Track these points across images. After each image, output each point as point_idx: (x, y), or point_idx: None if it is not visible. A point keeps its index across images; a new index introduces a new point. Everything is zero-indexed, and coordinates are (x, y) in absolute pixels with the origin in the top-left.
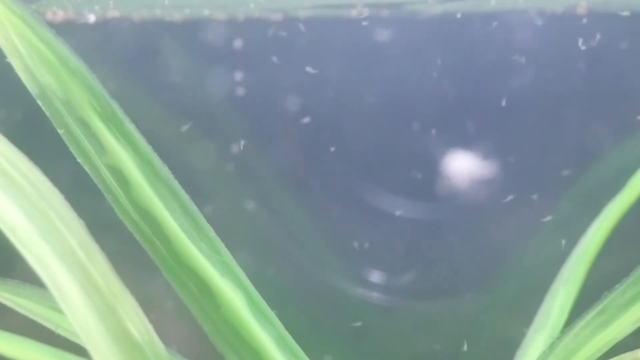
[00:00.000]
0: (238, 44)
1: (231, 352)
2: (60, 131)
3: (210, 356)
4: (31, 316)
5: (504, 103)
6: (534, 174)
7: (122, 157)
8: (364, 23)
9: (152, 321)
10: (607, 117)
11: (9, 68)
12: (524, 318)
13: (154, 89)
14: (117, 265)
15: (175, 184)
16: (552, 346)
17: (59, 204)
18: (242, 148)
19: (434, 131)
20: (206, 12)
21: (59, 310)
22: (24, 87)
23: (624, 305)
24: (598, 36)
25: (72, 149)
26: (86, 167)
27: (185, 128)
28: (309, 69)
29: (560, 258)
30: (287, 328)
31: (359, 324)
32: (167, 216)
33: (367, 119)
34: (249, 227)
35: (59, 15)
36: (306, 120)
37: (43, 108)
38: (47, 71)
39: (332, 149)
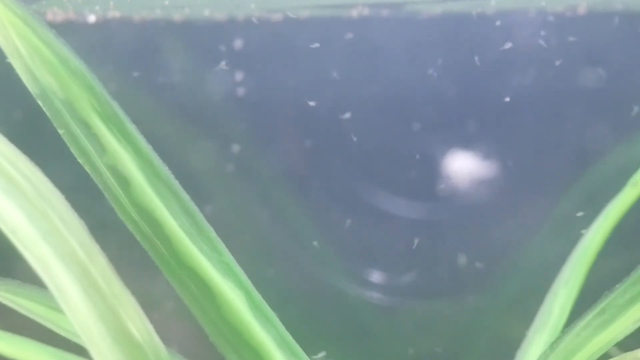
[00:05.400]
0: (238, 44)
1: (232, 352)
2: (60, 131)
3: (210, 356)
4: (31, 316)
5: (503, 103)
6: (534, 174)
7: (123, 157)
8: (364, 23)
9: (152, 321)
10: (607, 117)
11: (9, 68)
12: (525, 318)
13: (154, 89)
14: (118, 265)
15: (176, 184)
16: (552, 346)
17: (60, 204)
18: (242, 148)
19: (434, 131)
20: (206, 12)
21: (59, 310)
22: (25, 87)
23: (624, 306)
24: (598, 36)
25: (72, 149)
26: (87, 168)
27: (185, 128)
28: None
29: (560, 258)
30: (288, 328)
31: (359, 324)
32: (167, 216)
33: (367, 119)
34: (249, 227)
35: (60, 16)
36: (306, 120)
37: (43, 108)
38: (48, 71)
39: (333, 148)
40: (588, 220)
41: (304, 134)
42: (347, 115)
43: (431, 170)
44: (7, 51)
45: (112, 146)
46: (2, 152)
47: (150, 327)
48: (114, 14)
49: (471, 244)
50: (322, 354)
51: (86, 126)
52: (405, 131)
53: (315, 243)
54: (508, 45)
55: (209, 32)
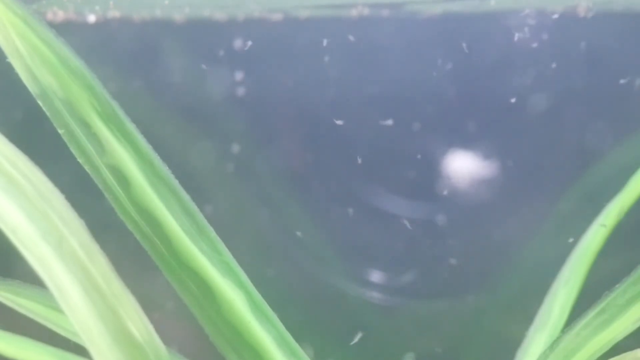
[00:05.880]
0: (238, 44)
1: (232, 352)
2: (60, 131)
3: (210, 356)
4: (31, 316)
5: (503, 103)
6: (534, 174)
7: (123, 157)
8: (364, 23)
9: (152, 321)
10: (607, 117)
11: (9, 68)
12: (524, 318)
13: (154, 89)
14: (118, 265)
15: (176, 183)
16: (552, 346)
17: (60, 204)
18: (242, 148)
19: (434, 131)
20: (206, 12)
21: (59, 310)
22: (25, 87)
23: (624, 305)
24: (598, 36)
25: (72, 149)
26: (87, 167)
27: (185, 128)
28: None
29: (560, 258)
30: (288, 328)
31: (359, 324)
32: (167, 216)
33: (367, 119)
34: (249, 227)
35: (60, 16)
36: (306, 120)
37: (43, 108)
38: (48, 71)
39: (333, 148)
40: (588, 220)
41: (303, 134)
42: (347, 115)
43: (431, 170)
44: (7, 51)
45: (112, 146)
46: (2, 152)
47: (150, 327)
48: (114, 14)
49: (471, 243)
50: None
51: (86, 126)
52: (405, 131)
53: (315, 243)
54: (508, 45)
55: (209, 32)
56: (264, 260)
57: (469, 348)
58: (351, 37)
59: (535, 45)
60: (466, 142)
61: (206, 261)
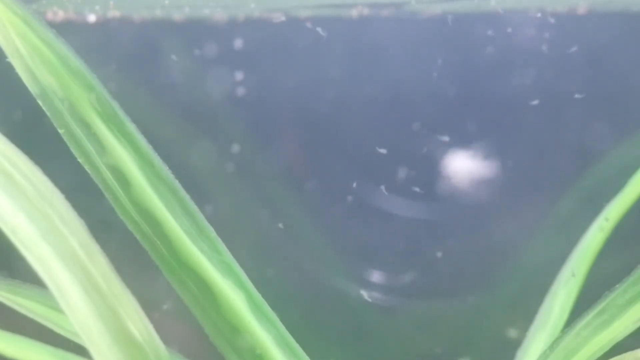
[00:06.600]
0: (238, 44)
1: (231, 352)
2: (60, 131)
3: (210, 356)
4: (31, 316)
5: (504, 103)
6: (534, 174)
7: (123, 157)
8: (364, 23)
9: (152, 321)
10: (607, 117)
11: (9, 68)
12: (524, 318)
13: (154, 89)
14: (118, 265)
15: (176, 183)
16: (552, 346)
17: (60, 204)
18: (242, 148)
19: (434, 131)
20: (206, 12)
21: (59, 310)
22: (25, 87)
23: (625, 305)
24: (598, 36)
25: (72, 149)
26: (87, 167)
27: (185, 128)
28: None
29: (560, 258)
30: (288, 328)
31: (359, 324)
32: (167, 216)
33: (367, 119)
34: (249, 227)
35: (60, 15)
36: (306, 120)
37: (43, 108)
38: (48, 71)
39: (333, 149)
40: (588, 220)
41: (303, 134)
42: (347, 115)
43: (431, 170)
44: (7, 51)
45: (112, 146)
46: (2, 152)
47: (150, 327)
48: (114, 13)
49: (471, 243)
50: None
51: (86, 126)
52: (405, 131)
53: (315, 243)
54: (508, 44)
55: (209, 32)
56: (264, 260)
57: (469, 348)
58: (351, 37)
59: (535, 44)
60: (466, 142)
61: (206, 261)
